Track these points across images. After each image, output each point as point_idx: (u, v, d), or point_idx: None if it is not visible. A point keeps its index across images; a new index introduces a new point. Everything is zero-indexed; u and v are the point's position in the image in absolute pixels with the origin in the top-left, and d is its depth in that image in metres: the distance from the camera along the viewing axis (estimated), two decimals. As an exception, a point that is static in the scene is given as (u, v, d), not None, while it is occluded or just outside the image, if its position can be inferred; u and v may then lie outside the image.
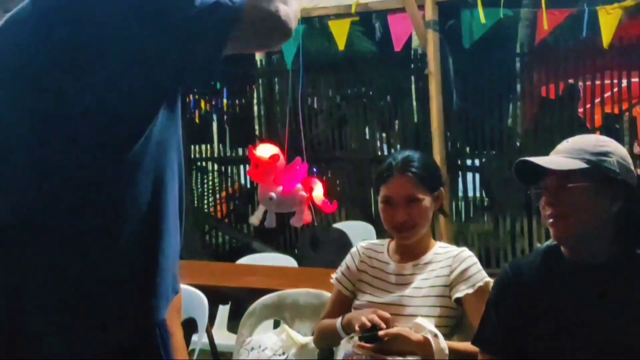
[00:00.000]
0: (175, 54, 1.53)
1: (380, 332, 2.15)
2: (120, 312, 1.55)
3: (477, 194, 7.15)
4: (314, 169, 7.39)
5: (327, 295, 2.75)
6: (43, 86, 1.57)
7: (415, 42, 6.73)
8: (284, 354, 2.64)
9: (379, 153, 7.31)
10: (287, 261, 4.77)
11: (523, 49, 6.97)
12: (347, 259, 2.53)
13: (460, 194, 6.97)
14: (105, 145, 1.54)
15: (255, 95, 8.04)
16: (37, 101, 1.57)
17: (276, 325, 3.16)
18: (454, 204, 6.77)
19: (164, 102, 1.59)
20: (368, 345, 2.16)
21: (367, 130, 7.36)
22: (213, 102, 8.39)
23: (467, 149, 7.01)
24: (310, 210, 2.63)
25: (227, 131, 8.25)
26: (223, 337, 3.90)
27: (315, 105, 7.64)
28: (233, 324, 3.78)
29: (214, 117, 8.36)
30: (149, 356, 1.59)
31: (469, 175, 7.02)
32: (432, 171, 2.44)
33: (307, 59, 7.12)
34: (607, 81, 6.35)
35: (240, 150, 8.15)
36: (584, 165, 1.80)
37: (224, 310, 4.19)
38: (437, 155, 4.86)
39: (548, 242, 1.98)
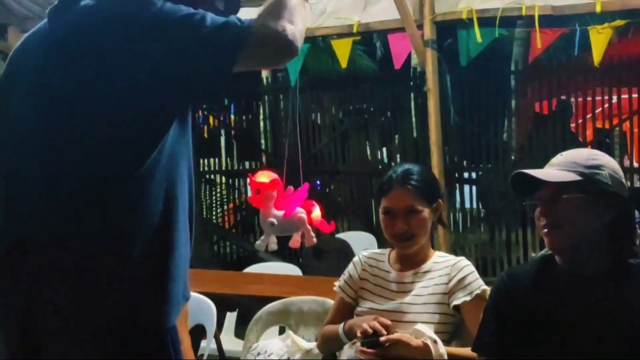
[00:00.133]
0: (187, 72, 1.53)
1: (382, 338, 2.14)
2: (133, 319, 1.55)
3: (474, 206, 7.12)
4: (317, 182, 7.39)
5: (330, 302, 2.75)
6: (58, 103, 1.57)
7: (414, 61, 6.74)
8: (289, 359, 2.63)
9: (380, 166, 7.29)
10: (291, 270, 4.76)
11: (517, 66, 6.96)
12: (350, 268, 2.52)
13: (458, 205, 6.95)
14: (119, 159, 1.54)
15: (261, 112, 8.04)
16: (53, 117, 1.57)
17: (281, 331, 3.15)
18: (451, 215, 6.75)
19: (176, 117, 1.60)
20: (370, 350, 2.15)
21: (368, 144, 7.35)
22: (221, 118, 8.39)
23: (464, 163, 6.99)
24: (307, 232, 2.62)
25: (234, 145, 8.26)
26: (231, 343, 3.89)
27: (319, 121, 7.65)
28: (240, 330, 3.78)
29: (222, 132, 8.37)
30: (161, 361, 1.59)
31: (466, 188, 7.00)
32: (431, 184, 2.44)
33: (311, 77, 7.16)
34: (598, 98, 6.34)
35: (247, 164, 8.16)
36: (577, 177, 1.80)
37: (231, 317, 4.18)
38: (436, 169, 4.87)
39: (543, 252, 1.97)
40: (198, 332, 3.31)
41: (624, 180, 1.89)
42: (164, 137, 1.56)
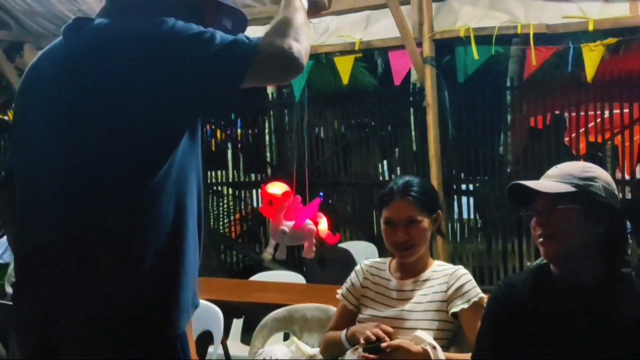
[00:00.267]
0: (197, 87, 1.53)
1: (383, 344, 2.14)
2: (146, 325, 1.55)
3: (472, 216, 7.11)
4: (321, 193, 7.38)
5: (333, 309, 2.74)
6: (71, 117, 1.57)
7: (414, 77, 6.74)
8: (293, 364, 2.62)
9: (381, 178, 7.30)
10: (296, 278, 4.75)
11: (513, 82, 6.96)
12: (352, 276, 2.52)
13: (456, 216, 6.94)
14: (131, 171, 1.54)
15: (266, 126, 8.06)
16: (66, 131, 1.57)
17: (286, 337, 3.15)
18: (450, 225, 6.74)
19: (186, 130, 1.60)
20: (371, 356, 2.15)
21: (369, 157, 7.36)
22: (228, 132, 8.40)
23: (462, 175, 6.99)
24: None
25: (241, 158, 8.27)
26: (237, 349, 3.88)
27: (322, 135, 7.65)
28: (246, 336, 3.76)
29: (229, 145, 8.38)
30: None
31: (464, 199, 6.99)
32: (431, 195, 2.44)
33: (315, 92, 7.16)
34: (590, 112, 6.35)
35: (253, 176, 8.17)
36: (572, 189, 1.80)
37: (238, 324, 4.17)
38: (435, 181, 4.86)
39: (538, 261, 1.97)
40: (206, 338, 3.31)
41: (616, 192, 1.89)
42: (175, 150, 1.56)
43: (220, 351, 3.35)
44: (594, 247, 1.83)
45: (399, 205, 2.36)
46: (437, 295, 2.33)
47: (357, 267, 2.54)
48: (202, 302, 1.77)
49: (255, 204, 8.11)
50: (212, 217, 8.08)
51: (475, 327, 2.09)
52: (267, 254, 2.54)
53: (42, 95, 1.64)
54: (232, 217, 8.29)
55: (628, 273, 1.85)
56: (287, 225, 2.47)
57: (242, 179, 8.20)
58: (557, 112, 6.62)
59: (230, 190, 8.29)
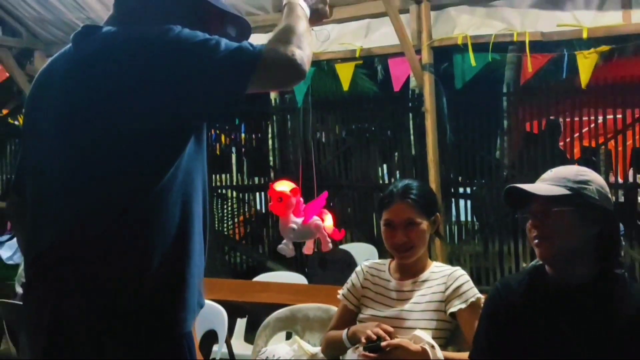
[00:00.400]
0: (203, 92, 1.53)
1: (383, 343, 2.14)
2: (153, 325, 1.55)
3: (469, 219, 7.14)
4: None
5: (334, 309, 2.74)
6: (80, 122, 1.57)
7: (413, 83, 6.76)
8: (295, 362, 2.62)
9: (380, 182, 7.31)
10: (298, 279, 4.75)
11: (509, 89, 6.98)
12: (352, 277, 2.52)
13: (454, 218, 6.95)
14: (139, 175, 1.54)
15: (269, 131, 8.07)
16: (74, 136, 1.58)
17: (288, 336, 3.14)
18: (448, 227, 6.74)
19: (192, 135, 1.60)
20: (372, 355, 2.14)
21: (369, 161, 7.36)
22: (232, 137, 8.42)
23: (460, 178, 7.00)
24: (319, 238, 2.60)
25: (244, 162, 8.28)
26: (241, 347, 3.88)
27: (324, 139, 7.66)
28: (250, 336, 3.76)
29: (233, 149, 8.40)
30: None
31: (462, 202, 7.00)
32: (429, 198, 2.44)
33: (316, 98, 7.17)
34: (585, 118, 6.36)
35: (256, 179, 8.18)
36: (566, 192, 1.80)
37: (241, 323, 4.16)
38: (433, 184, 4.85)
39: (534, 262, 1.97)
40: (210, 337, 3.30)
41: (609, 195, 1.89)
42: (181, 155, 1.56)
43: (225, 350, 3.35)
44: (588, 249, 1.82)
45: (399, 208, 2.35)
46: (435, 296, 2.32)
47: (358, 268, 2.54)
48: (206, 302, 1.77)
49: (258, 207, 8.12)
50: (216, 219, 8.09)
51: (472, 326, 2.09)
52: (290, 250, 2.49)
53: (52, 101, 1.64)
54: (236, 220, 8.30)
55: (621, 274, 1.85)
56: (297, 222, 2.45)
57: (245, 182, 8.21)
58: (552, 117, 6.63)
59: (235, 193, 8.30)
